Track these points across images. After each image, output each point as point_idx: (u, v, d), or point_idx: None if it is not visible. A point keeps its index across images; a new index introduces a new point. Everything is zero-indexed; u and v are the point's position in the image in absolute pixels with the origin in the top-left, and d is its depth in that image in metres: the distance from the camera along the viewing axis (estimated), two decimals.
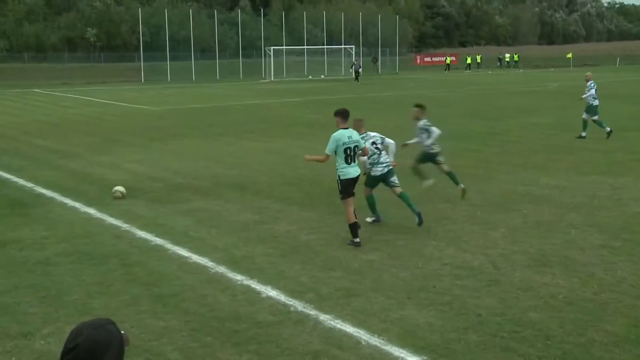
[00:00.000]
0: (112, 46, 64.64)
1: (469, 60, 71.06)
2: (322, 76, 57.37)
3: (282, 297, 6.78)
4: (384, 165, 9.54)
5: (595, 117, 18.01)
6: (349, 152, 8.68)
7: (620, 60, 79.32)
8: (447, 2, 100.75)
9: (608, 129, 17.76)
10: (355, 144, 8.75)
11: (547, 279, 7.27)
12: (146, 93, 39.59)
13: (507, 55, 77.07)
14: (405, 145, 11.21)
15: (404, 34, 78.66)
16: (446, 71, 67.52)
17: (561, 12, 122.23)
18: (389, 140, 9.67)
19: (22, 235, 9.20)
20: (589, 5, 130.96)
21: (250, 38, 64.74)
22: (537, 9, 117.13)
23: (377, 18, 69.19)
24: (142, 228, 9.46)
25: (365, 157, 9.41)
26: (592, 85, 17.97)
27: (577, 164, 14.37)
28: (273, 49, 55.78)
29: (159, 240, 8.86)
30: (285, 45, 59.90)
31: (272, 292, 6.92)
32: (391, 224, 9.59)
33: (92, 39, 63.62)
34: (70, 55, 59.49)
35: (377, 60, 65.54)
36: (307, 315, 6.33)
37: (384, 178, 9.61)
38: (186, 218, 10.09)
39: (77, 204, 10.99)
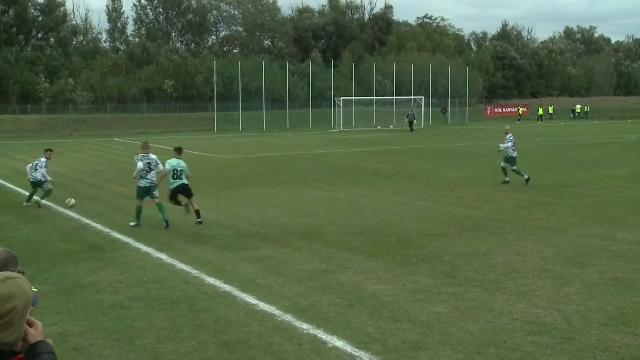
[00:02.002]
0: (187, 96, 67.03)
1: (540, 111, 69.82)
2: (391, 126, 57.55)
3: (348, 348, 6.73)
4: (148, 181, 13.30)
5: (514, 167, 19.50)
6: (175, 172, 13.49)
7: None
8: (518, 54, 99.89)
9: (526, 176, 19.12)
10: (181, 168, 13.59)
11: (627, 339, 6.93)
12: (218, 142, 40.72)
13: (578, 106, 75.23)
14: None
15: (473, 85, 78.15)
16: (518, 121, 66.59)
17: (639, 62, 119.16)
18: (161, 166, 13.48)
19: (98, 278, 9.53)
20: None
21: (320, 88, 65.89)
22: (613, 59, 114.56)
23: (447, 69, 69.29)
24: (211, 274, 9.64)
25: (141, 165, 13.31)
26: (511, 138, 19.59)
27: None
28: (342, 99, 56.49)
29: (227, 287, 8.98)
30: (355, 96, 60.62)
31: (338, 343, 6.87)
32: (459, 276, 9.41)
33: (169, 90, 66.26)
34: (148, 105, 62.00)
35: (446, 110, 65.31)
36: None
37: (148, 191, 13.34)
38: (254, 265, 10.22)
39: (149, 249, 11.33)
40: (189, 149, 34.67)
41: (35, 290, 3.23)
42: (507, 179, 19.28)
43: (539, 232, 12.39)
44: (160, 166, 13.54)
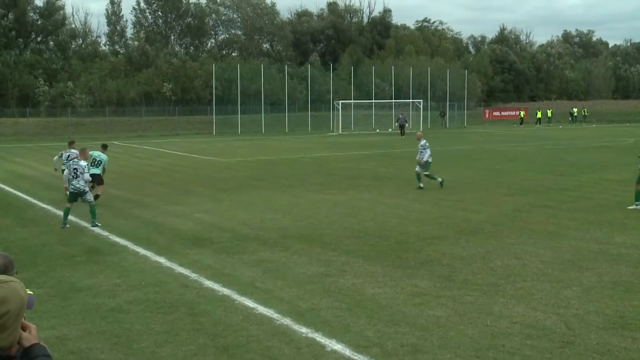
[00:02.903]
0: (186, 100, 67.09)
1: (539, 115, 69.95)
2: (390, 129, 57.55)
3: (347, 352, 6.71)
4: (73, 187, 13.74)
5: (427, 172, 19.46)
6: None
7: None
8: (517, 57, 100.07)
9: (440, 179, 19.31)
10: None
11: (626, 343, 6.92)
12: (217, 145, 40.71)
13: (575, 109, 75.29)
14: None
15: (472, 88, 78.29)
16: (521, 125, 66.71)
17: (637, 66, 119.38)
18: (87, 176, 13.97)
19: (96, 282, 9.51)
20: None
21: (319, 92, 65.95)
22: (611, 63, 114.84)
23: (446, 72, 69.36)
24: (209, 278, 9.62)
25: (67, 173, 14.32)
26: (427, 144, 19.56)
27: None
28: (341, 102, 56.53)
29: (225, 291, 8.97)
30: (353, 99, 60.65)
31: (337, 346, 6.86)
32: (458, 280, 9.40)
33: (168, 94, 66.29)
34: (147, 108, 62.02)
35: (445, 114, 65.38)
36: None
37: (78, 195, 13.81)
38: (253, 269, 10.20)
39: (148, 253, 11.30)
40: (187, 152, 34.77)
41: (31, 292, 3.22)
42: (421, 185, 19.22)
43: (538, 235, 12.38)
44: (87, 175, 14.01)
